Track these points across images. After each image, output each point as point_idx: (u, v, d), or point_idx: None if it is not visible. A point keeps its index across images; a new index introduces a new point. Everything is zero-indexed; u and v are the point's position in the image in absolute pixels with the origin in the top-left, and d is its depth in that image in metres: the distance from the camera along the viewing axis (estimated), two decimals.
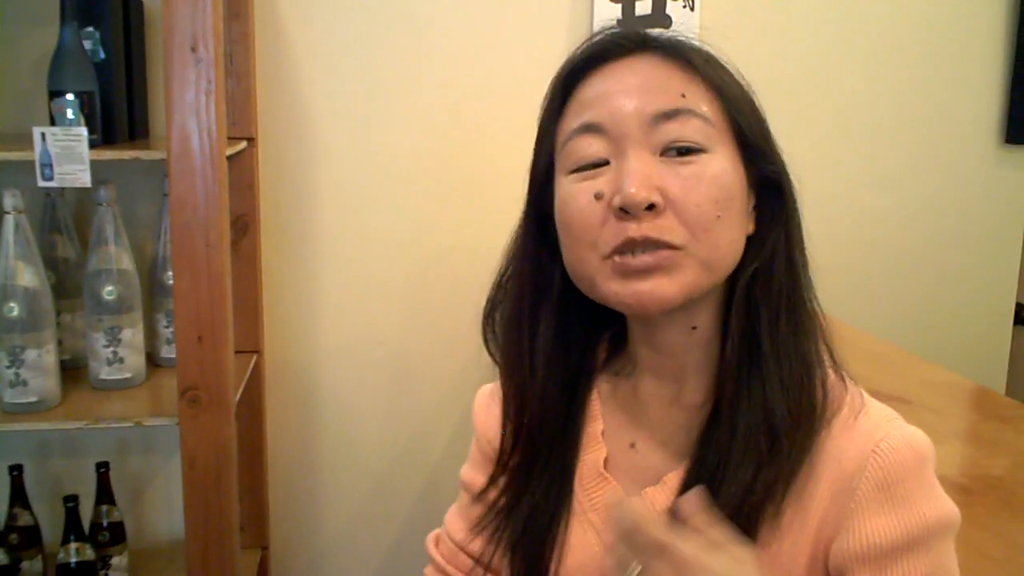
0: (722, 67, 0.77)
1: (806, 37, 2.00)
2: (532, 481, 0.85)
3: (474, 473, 0.96)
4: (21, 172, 1.40)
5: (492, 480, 0.89)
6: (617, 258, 0.73)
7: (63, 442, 1.84)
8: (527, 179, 0.82)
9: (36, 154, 1.36)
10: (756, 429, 0.73)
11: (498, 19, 1.86)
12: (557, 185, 0.78)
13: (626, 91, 0.74)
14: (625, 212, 0.71)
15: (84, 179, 1.38)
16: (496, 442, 0.89)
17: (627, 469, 0.83)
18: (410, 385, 1.96)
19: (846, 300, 2.05)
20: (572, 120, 0.77)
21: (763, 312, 0.76)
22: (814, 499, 0.73)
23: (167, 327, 1.69)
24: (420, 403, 1.97)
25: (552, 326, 0.83)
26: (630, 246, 0.72)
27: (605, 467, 0.84)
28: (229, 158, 1.49)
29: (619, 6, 1.86)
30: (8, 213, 1.46)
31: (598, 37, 0.78)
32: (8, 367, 1.46)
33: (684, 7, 1.89)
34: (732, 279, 0.77)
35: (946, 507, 0.73)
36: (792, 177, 0.79)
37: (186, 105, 1.37)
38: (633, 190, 0.70)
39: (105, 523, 1.68)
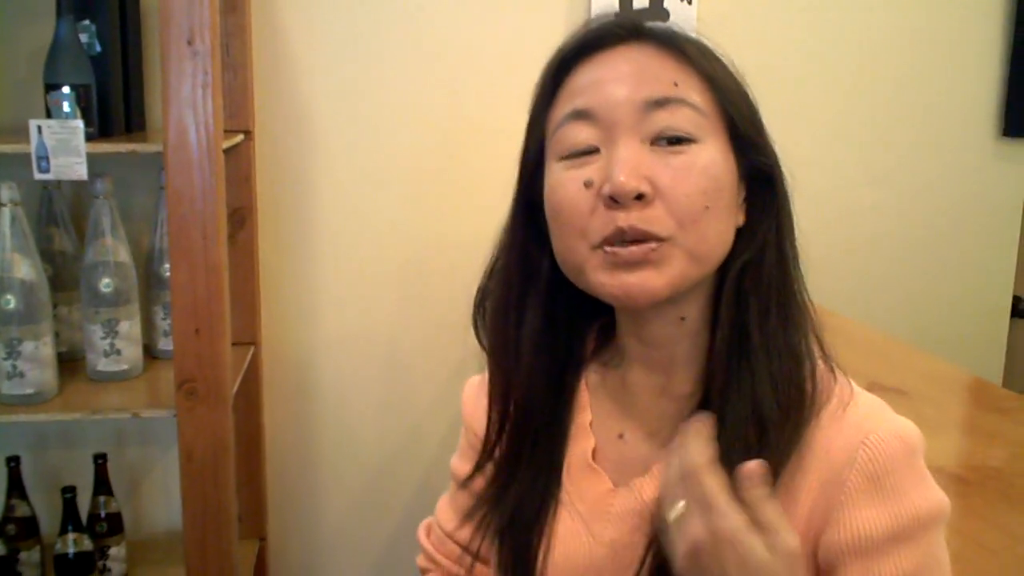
0: (716, 58, 0.77)
1: (803, 31, 2.00)
2: (519, 470, 0.85)
3: (463, 463, 0.95)
4: (18, 165, 1.39)
5: (477, 467, 0.88)
6: (607, 248, 0.72)
7: (60, 434, 1.85)
8: (517, 166, 0.82)
9: (32, 147, 1.36)
10: (745, 421, 0.73)
11: (495, 13, 1.85)
12: (547, 172, 0.78)
13: (618, 79, 0.74)
14: (614, 201, 0.71)
15: (80, 172, 1.38)
16: (484, 433, 0.89)
17: (615, 460, 0.83)
18: (408, 377, 1.96)
19: (844, 293, 2.06)
20: (563, 107, 0.76)
21: (752, 304, 0.75)
22: (803, 491, 0.73)
23: (164, 319, 1.69)
24: (418, 394, 1.97)
25: (539, 315, 0.82)
26: (619, 236, 0.71)
27: (593, 458, 0.84)
28: (226, 151, 1.49)
29: (616, 1, 1.86)
30: (4, 206, 1.46)
31: (592, 25, 0.78)
32: (5, 359, 1.46)
33: (682, 1, 1.88)
34: (722, 270, 0.77)
35: (936, 498, 0.73)
36: (784, 170, 0.79)
37: (182, 98, 1.36)
38: (622, 179, 0.70)
39: (103, 514, 1.68)
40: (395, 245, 1.92)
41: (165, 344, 1.69)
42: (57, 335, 1.58)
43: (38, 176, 1.37)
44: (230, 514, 1.50)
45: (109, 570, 1.69)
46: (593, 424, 0.85)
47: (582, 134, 0.74)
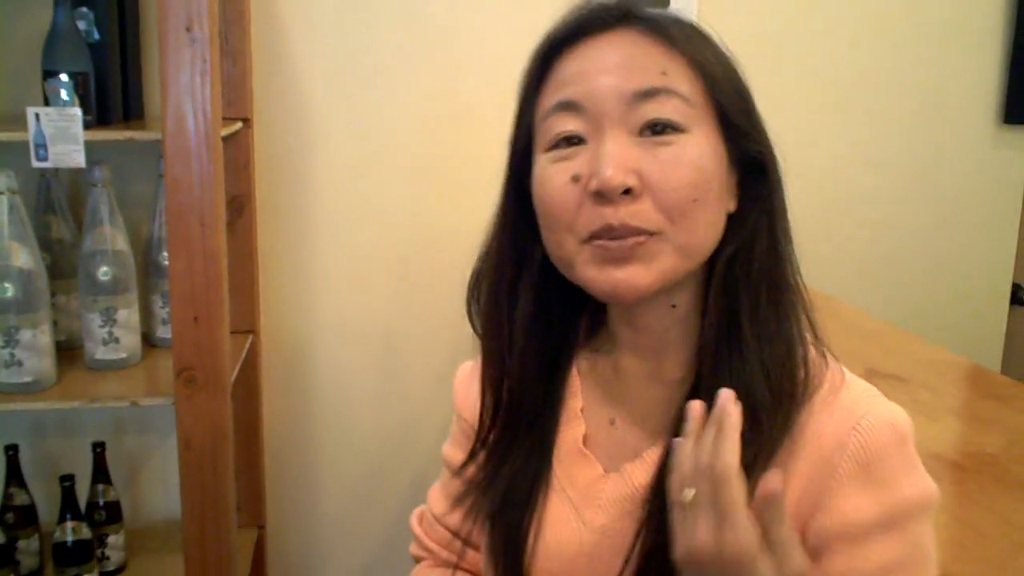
0: (705, 43, 0.76)
1: (803, 15, 2.00)
2: (511, 455, 0.85)
3: (455, 450, 0.96)
4: (15, 153, 1.39)
5: (472, 456, 0.88)
6: (596, 242, 0.72)
7: (59, 422, 1.85)
8: (507, 153, 0.82)
9: (30, 134, 1.36)
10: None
11: (494, 1, 1.85)
12: (535, 162, 0.77)
13: (605, 69, 0.73)
14: (601, 196, 0.70)
15: (79, 160, 1.38)
16: (475, 420, 0.89)
17: (606, 445, 0.83)
18: (406, 365, 1.96)
19: (843, 280, 2.06)
20: (551, 97, 0.76)
21: (743, 292, 0.75)
22: (793, 476, 0.73)
23: (163, 307, 1.69)
24: (416, 382, 1.97)
25: (531, 301, 0.82)
26: (607, 231, 0.71)
27: (584, 444, 0.84)
28: (224, 139, 1.49)
29: None
30: (2, 194, 1.46)
31: (580, 11, 0.77)
32: (3, 347, 1.46)
33: None
34: (712, 257, 0.77)
35: (925, 485, 0.73)
36: (777, 155, 0.78)
37: (181, 85, 1.36)
38: (610, 173, 0.70)
39: (101, 502, 1.69)
40: (394, 233, 1.92)
41: (164, 332, 1.69)
42: (55, 323, 1.58)
43: (36, 164, 1.37)
44: (228, 502, 1.50)
45: (108, 558, 1.69)
46: (584, 410, 0.85)
47: (568, 125, 0.74)
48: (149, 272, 1.71)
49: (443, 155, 1.90)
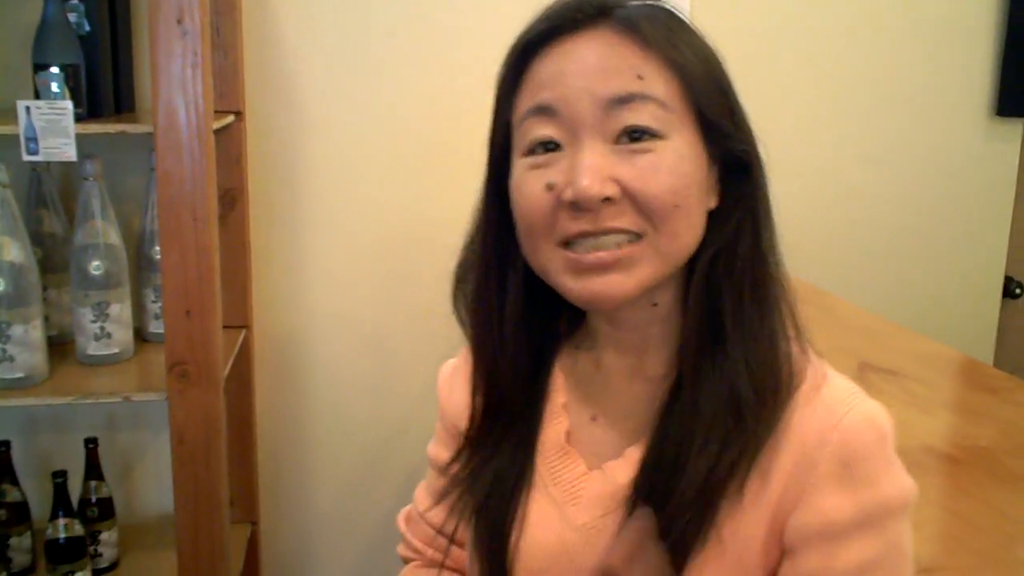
0: (685, 39, 0.74)
1: (795, 10, 1.99)
2: (496, 450, 0.84)
3: (440, 449, 0.95)
4: (6, 146, 1.38)
5: (459, 454, 0.88)
6: (570, 254, 0.71)
7: (51, 418, 1.84)
8: (486, 151, 0.81)
9: (21, 128, 1.35)
10: (721, 407, 0.72)
11: None
12: (513, 165, 0.77)
13: (580, 72, 0.71)
14: (577, 207, 0.70)
15: (70, 153, 1.37)
16: (459, 419, 0.88)
17: (589, 442, 0.83)
18: (400, 359, 1.96)
19: (836, 273, 2.06)
20: (527, 99, 0.75)
21: (726, 290, 0.74)
22: (774, 472, 0.72)
23: (155, 302, 1.68)
24: (410, 377, 1.97)
25: (520, 297, 0.81)
26: (583, 236, 0.71)
27: (567, 440, 0.83)
28: (217, 132, 1.48)
29: None
30: None
31: (555, 7, 0.75)
32: None
33: None
34: (694, 255, 0.76)
35: (903, 484, 0.73)
36: (761, 152, 0.77)
37: (172, 78, 1.35)
38: (585, 183, 0.69)
39: (94, 499, 1.68)
40: (387, 226, 1.91)
41: (156, 327, 1.68)
42: (47, 318, 1.58)
43: (27, 158, 1.36)
44: (222, 498, 1.50)
45: (100, 555, 1.69)
46: (567, 407, 0.85)
47: (545, 130, 0.73)
48: (141, 266, 1.70)
49: (436, 148, 1.89)
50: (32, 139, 1.36)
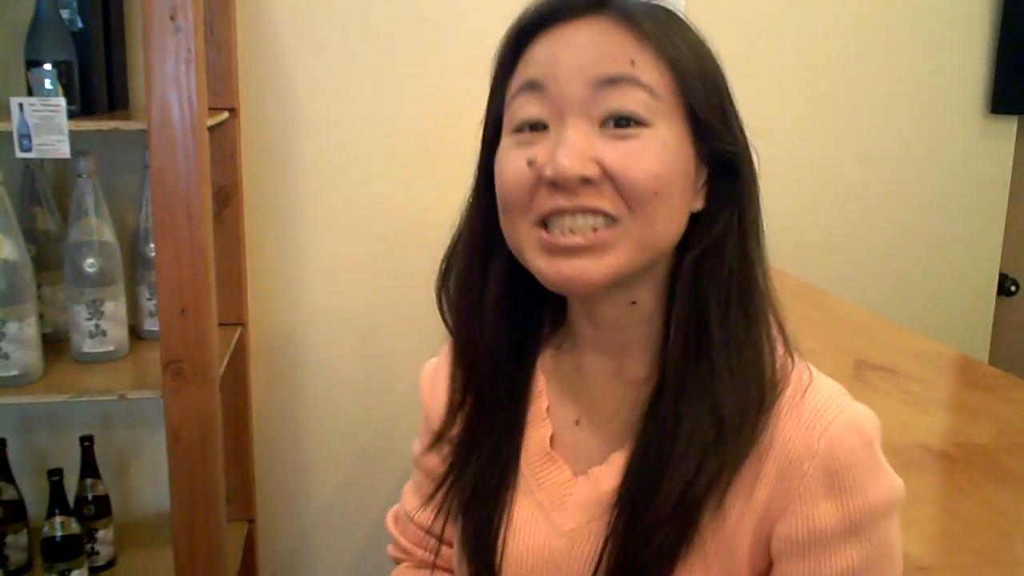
0: (681, 36, 0.74)
1: (790, 8, 1.99)
2: (478, 446, 0.84)
3: (424, 450, 0.95)
4: None
5: (438, 437, 0.87)
6: (545, 234, 0.71)
7: (46, 416, 1.83)
8: (479, 137, 0.80)
9: (14, 125, 1.34)
10: (701, 422, 0.72)
11: None
12: (500, 145, 0.76)
13: (573, 52, 0.71)
14: (556, 185, 0.69)
15: (63, 150, 1.36)
16: (443, 417, 0.88)
17: (573, 447, 0.82)
18: (396, 356, 1.96)
19: (832, 272, 2.06)
20: (519, 79, 0.74)
21: (712, 295, 0.74)
22: (762, 480, 0.72)
23: (150, 299, 1.68)
24: (406, 374, 1.96)
25: (500, 287, 0.81)
26: (558, 213, 0.70)
27: (551, 445, 0.83)
28: (211, 129, 1.48)
29: None
30: None
31: None
32: None
33: None
34: (678, 257, 0.75)
35: (890, 487, 0.73)
36: (753, 155, 0.76)
37: (166, 75, 1.35)
38: (566, 162, 0.68)
39: (90, 497, 1.68)
40: (382, 223, 1.91)
41: (151, 324, 1.68)
42: (41, 316, 1.57)
43: (20, 155, 1.35)
44: (218, 496, 1.49)
45: (97, 553, 1.68)
46: (550, 410, 0.84)
47: (532, 108, 0.72)
48: (136, 264, 1.69)
49: (431, 145, 1.89)
50: (25, 136, 1.35)
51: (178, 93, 1.35)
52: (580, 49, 0.71)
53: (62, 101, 1.36)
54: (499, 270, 0.80)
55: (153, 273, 1.46)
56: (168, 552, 1.52)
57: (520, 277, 0.79)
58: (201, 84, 1.37)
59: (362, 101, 1.86)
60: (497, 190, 0.75)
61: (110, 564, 1.71)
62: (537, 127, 0.72)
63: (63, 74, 1.42)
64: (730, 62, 0.77)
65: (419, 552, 0.98)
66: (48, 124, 1.35)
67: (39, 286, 1.58)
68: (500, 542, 0.82)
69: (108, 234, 1.57)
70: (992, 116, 2.11)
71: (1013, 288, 2.21)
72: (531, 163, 0.71)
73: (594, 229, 0.70)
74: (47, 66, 1.40)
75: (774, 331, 0.76)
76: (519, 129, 0.74)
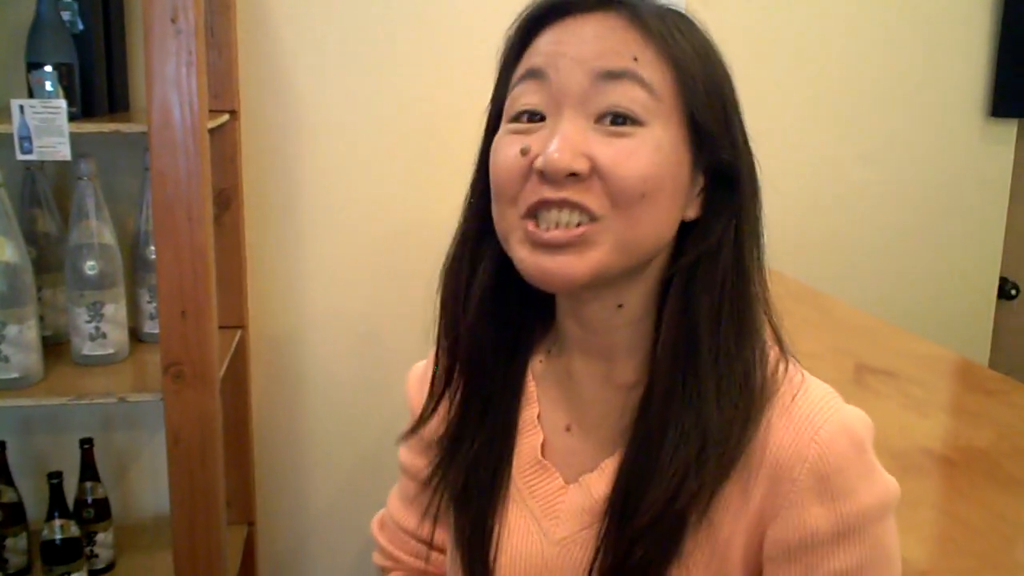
0: (690, 40, 0.73)
1: (791, 9, 1.99)
2: (467, 438, 0.83)
3: (411, 455, 0.95)
4: None
5: (422, 418, 0.87)
6: (530, 227, 0.70)
7: (46, 418, 1.83)
8: (483, 126, 0.80)
9: (14, 127, 1.34)
10: (688, 433, 0.71)
11: None
12: (498, 132, 0.76)
13: (577, 44, 0.71)
14: (545, 176, 0.69)
15: (64, 152, 1.36)
16: (431, 421, 0.87)
17: (564, 454, 0.82)
18: (396, 359, 1.95)
19: (832, 274, 2.06)
20: (522, 67, 0.74)
21: (704, 307, 0.73)
22: (752, 485, 0.72)
23: (150, 302, 1.68)
24: (405, 376, 1.96)
25: (490, 276, 0.80)
26: (544, 206, 0.69)
27: (543, 452, 0.82)
28: (211, 131, 1.48)
29: None
30: None
31: None
32: None
33: None
34: (670, 265, 0.75)
35: (883, 490, 0.72)
36: (757, 167, 0.75)
37: (166, 77, 1.35)
38: (557, 155, 0.68)
39: (90, 499, 1.67)
40: (382, 225, 1.91)
41: (151, 327, 1.68)
42: (42, 318, 1.57)
43: (20, 157, 1.35)
44: (218, 499, 1.49)
45: (96, 556, 1.68)
46: (540, 416, 0.84)
47: (532, 98, 0.72)
48: (136, 266, 1.69)
49: (432, 147, 1.89)
50: (26, 138, 1.35)
51: (179, 95, 1.35)
52: (584, 41, 0.71)
53: (63, 103, 1.36)
54: (490, 258, 0.80)
55: (153, 276, 1.46)
56: (168, 555, 1.52)
57: (511, 271, 0.78)
58: (202, 86, 1.37)
59: (362, 103, 1.86)
60: (491, 177, 0.75)
61: (110, 567, 1.71)
62: (535, 117, 0.72)
63: (64, 76, 1.42)
64: (730, 63, 0.77)
65: (407, 558, 0.97)
66: (49, 126, 1.35)
67: (39, 288, 1.57)
68: (493, 550, 0.81)
69: (108, 236, 1.57)
70: (992, 119, 2.11)
71: (1013, 292, 2.21)
72: (524, 152, 0.71)
73: (578, 224, 0.69)
74: (48, 68, 1.40)
75: (769, 338, 0.76)
76: (517, 117, 0.73)
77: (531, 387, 0.85)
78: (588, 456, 0.80)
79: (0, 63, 1.66)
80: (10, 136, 1.34)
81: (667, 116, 0.71)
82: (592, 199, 0.69)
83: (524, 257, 0.72)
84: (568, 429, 0.83)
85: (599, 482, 0.78)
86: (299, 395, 1.95)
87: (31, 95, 1.39)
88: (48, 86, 1.39)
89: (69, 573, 1.58)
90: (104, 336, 1.56)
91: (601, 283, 0.73)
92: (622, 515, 0.74)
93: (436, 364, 0.85)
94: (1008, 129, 2.13)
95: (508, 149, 0.72)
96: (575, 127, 0.70)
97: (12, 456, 1.68)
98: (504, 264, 0.78)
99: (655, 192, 0.70)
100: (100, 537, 1.68)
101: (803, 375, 0.76)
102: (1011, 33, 2.05)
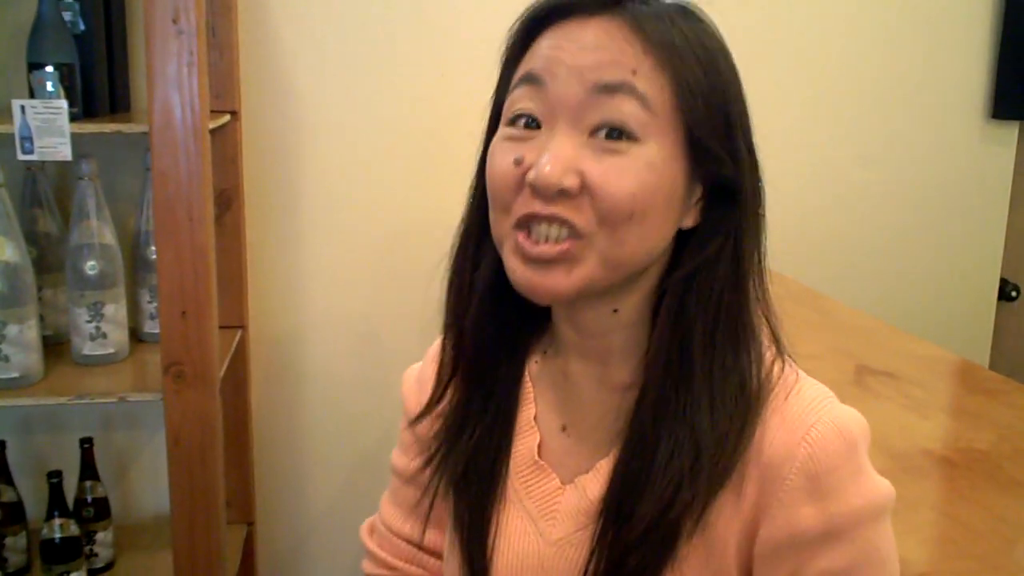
0: (696, 46, 0.71)
1: (791, 11, 1.99)
2: (468, 426, 0.83)
3: (405, 458, 0.95)
4: (0, 145, 1.38)
5: (425, 411, 0.86)
6: (521, 238, 0.71)
7: (46, 418, 1.83)
8: (486, 117, 0.80)
9: (16, 127, 1.34)
10: (681, 443, 0.71)
11: None
12: (496, 134, 0.76)
13: (576, 52, 0.70)
14: (536, 189, 0.69)
15: (65, 153, 1.36)
16: (427, 421, 0.87)
17: (560, 455, 0.82)
18: (396, 359, 1.95)
19: (832, 275, 2.06)
20: (521, 69, 0.74)
21: (698, 320, 0.72)
22: (745, 485, 0.72)
23: (150, 302, 1.68)
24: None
25: (491, 270, 0.79)
26: (534, 220, 0.70)
27: (539, 453, 0.82)
28: (212, 132, 1.48)
29: None
30: None
31: None
32: None
33: None
34: (665, 274, 0.75)
35: (875, 491, 0.72)
36: (762, 182, 0.74)
37: (168, 77, 1.35)
38: (548, 169, 0.68)
39: (89, 499, 1.67)
40: (384, 226, 1.91)
41: (151, 327, 1.68)
42: (42, 318, 1.57)
43: (21, 157, 1.35)
44: (218, 498, 1.49)
45: (96, 555, 1.68)
46: (537, 417, 0.84)
47: (528, 103, 0.72)
48: (137, 266, 1.69)
49: (433, 147, 1.89)
50: (27, 138, 1.35)
51: (180, 96, 1.35)
52: (583, 50, 0.70)
53: (64, 103, 1.36)
54: (491, 256, 0.80)
55: (154, 276, 1.46)
56: (167, 555, 1.52)
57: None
58: (203, 87, 1.37)
59: (363, 104, 1.86)
60: (486, 183, 0.75)
61: (109, 566, 1.71)
62: (531, 124, 0.72)
63: (65, 76, 1.42)
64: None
65: (400, 563, 0.97)
66: (50, 126, 1.35)
67: (40, 288, 1.58)
68: (489, 551, 0.82)
69: (109, 237, 1.57)
70: (993, 121, 2.11)
71: (1014, 293, 2.21)
72: (518, 162, 0.71)
73: (567, 238, 0.69)
74: (49, 68, 1.40)
75: (766, 337, 0.75)
76: (514, 121, 0.73)
77: (528, 387, 0.85)
78: (584, 457, 0.80)
79: (1, 63, 1.66)
80: (11, 136, 1.34)
81: (663, 131, 0.70)
82: (580, 216, 0.69)
83: (514, 268, 0.72)
84: (564, 430, 0.83)
85: (594, 483, 0.78)
86: (299, 395, 1.95)
87: (32, 95, 1.39)
88: (49, 86, 1.39)
89: (69, 572, 1.58)
90: (104, 336, 1.56)
91: (592, 295, 0.73)
92: (616, 519, 0.74)
93: (443, 351, 0.86)
94: (1009, 131, 2.13)
95: (503, 158, 0.72)
96: (568, 142, 0.69)
97: (12, 455, 1.68)
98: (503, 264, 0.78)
99: (644, 212, 0.69)
100: (100, 537, 1.68)
101: (798, 375, 0.76)
102: (1012, 35, 2.05)
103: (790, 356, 0.77)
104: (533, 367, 0.86)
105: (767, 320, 0.76)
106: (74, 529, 1.60)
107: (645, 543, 0.72)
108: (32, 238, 1.60)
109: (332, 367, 1.95)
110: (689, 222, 0.74)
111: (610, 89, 0.69)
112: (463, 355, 0.84)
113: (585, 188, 0.69)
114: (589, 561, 0.75)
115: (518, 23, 0.76)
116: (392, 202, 1.90)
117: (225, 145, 1.76)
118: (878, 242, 2.12)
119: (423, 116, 1.87)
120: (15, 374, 1.47)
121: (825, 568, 0.70)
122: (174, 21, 1.33)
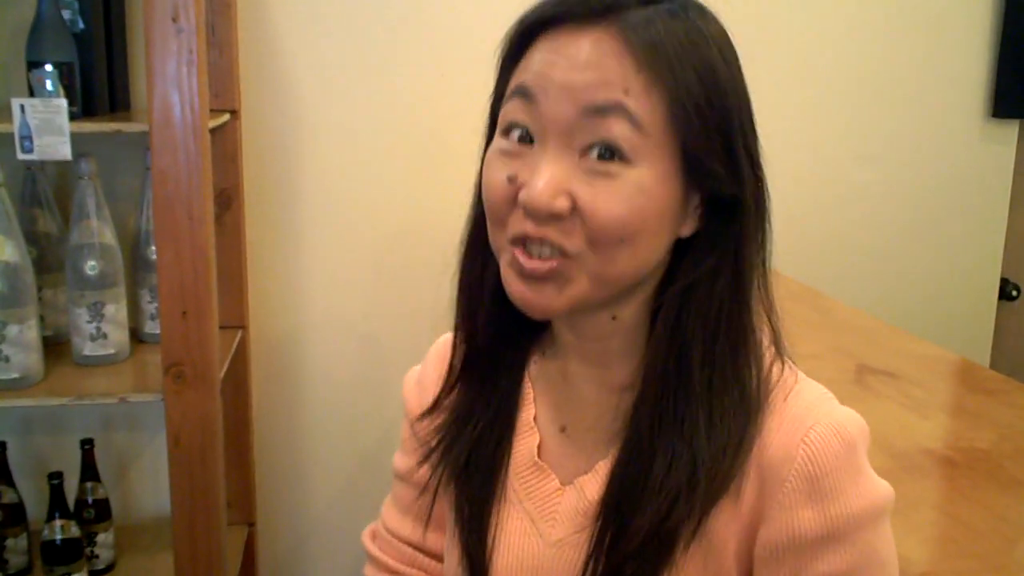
0: (695, 56, 0.69)
1: (790, 9, 1.99)
2: (471, 418, 0.83)
3: (406, 460, 0.95)
4: (0, 145, 1.37)
5: (436, 403, 0.87)
6: (517, 252, 0.71)
7: (47, 419, 1.83)
8: (487, 113, 0.79)
9: (15, 126, 1.34)
10: (679, 455, 0.71)
11: None
12: (491, 143, 0.75)
13: (567, 70, 0.68)
14: (527, 212, 0.69)
15: (64, 152, 1.36)
16: (428, 424, 0.87)
17: (559, 456, 0.82)
18: (397, 360, 1.95)
19: (832, 274, 2.06)
20: (516, 79, 0.73)
21: (697, 333, 0.72)
22: (744, 487, 0.72)
23: (151, 302, 1.68)
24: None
25: (496, 267, 0.78)
26: (524, 239, 0.70)
27: (538, 454, 0.82)
28: (212, 131, 1.47)
29: None
30: None
31: None
32: None
33: None
34: (663, 283, 0.74)
35: (875, 493, 0.72)
36: (766, 193, 0.73)
37: (167, 76, 1.35)
38: (537, 194, 0.67)
39: (90, 500, 1.67)
40: (383, 226, 1.91)
41: (152, 327, 1.68)
42: (42, 319, 1.57)
43: (21, 156, 1.35)
44: (218, 499, 1.49)
45: (97, 556, 1.68)
46: (537, 418, 0.84)
47: (522, 116, 0.71)
48: (137, 266, 1.69)
49: (433, 147, 1.89)
50: (27, 137, 1.35)
51: (179, 95, 1.35)
52: (575, 68, 0.68)
53: (63, 102, 1.36)
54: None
55: (154, 276, 1.46)
56: (168, 556, 1.52)
57: None
58: (203, 86, 1.37)
59: (363, 103, 1.86)
60: (482, 194, 0.75)
61: (110, 568, 1.70)
62: (524, 138, 0.71)
63: (64, 75, 1.42)
64: None
65: (402, 568, 0.97)
66: (49, 125, 1.35)
67: (40, 288, 1.57)
68: (489, 550, 0.82)
69: (109, 236, 1.57)
70: (993, 120, 2.11)
71: (1014, 293, 2.21)
72: (511, 180, 0.71)
73: (561, 255, 0.69)
74: (48, 67, 1.40)
75: (766, 337, 0.75)
76: (508, 131, 0.73)
77: (527, 390, 0.85)
78: (583, 458, 0.80)
79: (1, 62, 1.66)
80: (11, 135, 1.34)
81: (656, 151, 0.68)
82: (569, 240, 0.69)
83: (510, 282, 0.72)
84: (563, 431, 0.83)
85: (593, 484, 0.78)
86: (299, 395, 1.95)
87: (32, 94, 1.39)
88: (49, 85, 1.39)
89: (69, 574, 1.58)
90: (105, 336, 1.56)
91: (586, 309, 0.73)
92: (613, 524, 0.74)
93: (455, 344, 0.86)
94: (1009, 130, 2.13)
95: (497, 173, 0.72)
96: (559, 163, 0.68)
97: (12, 456, 1.67)
98: None
99: (634, 235, 0.69)
100: (100, 538, 1.68)
101: (797, 376, 0.76)
102: (1012, 34, 2.05)
103: (790, 357, 0.77)
104: (532, 368, 0.86)
105: (769, 320, 0.76)
106: (75, 530, 1.60)
107: (642, 552, 0.71)
108: (32, 238, 1.60)
109: (332, 367, 1.95)
110: (687, 230, 0.73)
111: (601, 111, 0.67)
112: (473, 351, 0.84)
113: (576, 211, 0.68)
114: (587, 564, 0.75)
115: (512, 30, 0.75)
116: (392, 202, 1.90)
117: (225, 144, 1.75)
118: (878, 241, 2.12)
119: (423, 116, 1.87)
120: (15, 375, 1.46)
121: (825, 571, 0.70)
122: (174, 20, 1.33)
